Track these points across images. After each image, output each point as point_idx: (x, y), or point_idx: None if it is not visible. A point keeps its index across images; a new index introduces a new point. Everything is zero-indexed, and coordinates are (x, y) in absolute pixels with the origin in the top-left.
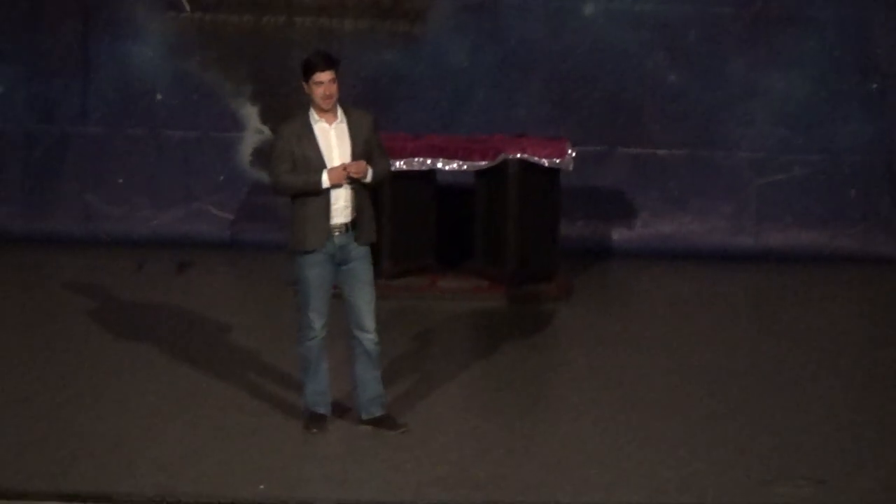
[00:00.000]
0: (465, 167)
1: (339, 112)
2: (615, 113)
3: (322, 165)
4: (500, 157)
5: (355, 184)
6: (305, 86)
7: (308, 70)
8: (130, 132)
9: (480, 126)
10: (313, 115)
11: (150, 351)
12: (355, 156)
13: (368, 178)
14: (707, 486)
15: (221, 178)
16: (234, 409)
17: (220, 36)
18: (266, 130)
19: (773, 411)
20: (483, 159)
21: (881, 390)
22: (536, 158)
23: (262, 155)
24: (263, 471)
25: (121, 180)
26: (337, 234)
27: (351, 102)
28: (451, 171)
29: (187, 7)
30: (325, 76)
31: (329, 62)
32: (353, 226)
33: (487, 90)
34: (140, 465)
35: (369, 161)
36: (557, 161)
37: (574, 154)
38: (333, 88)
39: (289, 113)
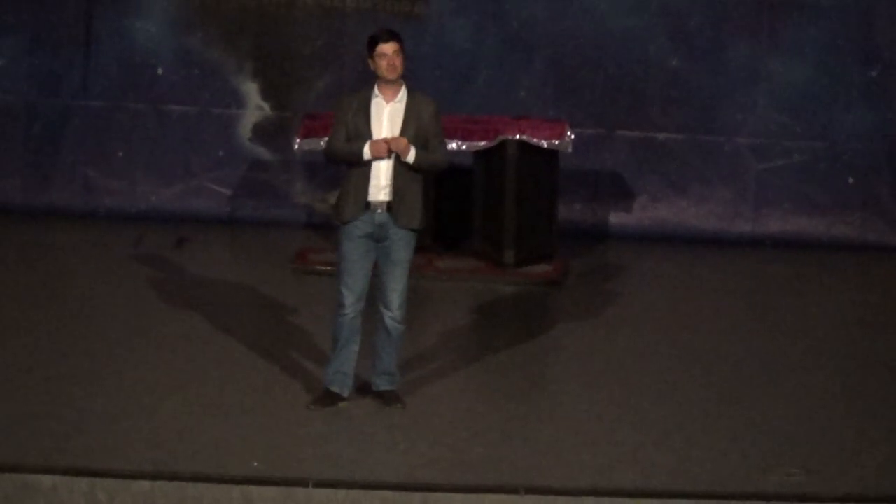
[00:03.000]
0: (463, 147)
1: (403, 92)
2: (616, 96)
3: (369, 138)
4: (499, 138)
5: (399, 163)
6: (371, 62)
7: (372, 44)
8: (131, 107)
9: (482, 107)
10: (375, 91)
11: (147, 327)
12: (403, 135)
13: (410, 158)
14: (700, 473)
15: (221, 153)
16: (230, 387)
17: (223, 12)
18: (267, 107)
19: (768, 399)
20: (482, 140)
21: (877, 379)
22: (535, 140)
23: (263, 131)
24: (258, 449)
25: (121, 154)
26: (379, 211)
27: (355, 82)
28: (450, 151)
29: None
30: (388, 48)
31: (392, 35)
32: (392, 206)
33: (489, 71)
34: (135, 441)
35: (424, 147)
36: (556, 143)
37: (573, 136)
38: (398, 60)
39: (289, 90)
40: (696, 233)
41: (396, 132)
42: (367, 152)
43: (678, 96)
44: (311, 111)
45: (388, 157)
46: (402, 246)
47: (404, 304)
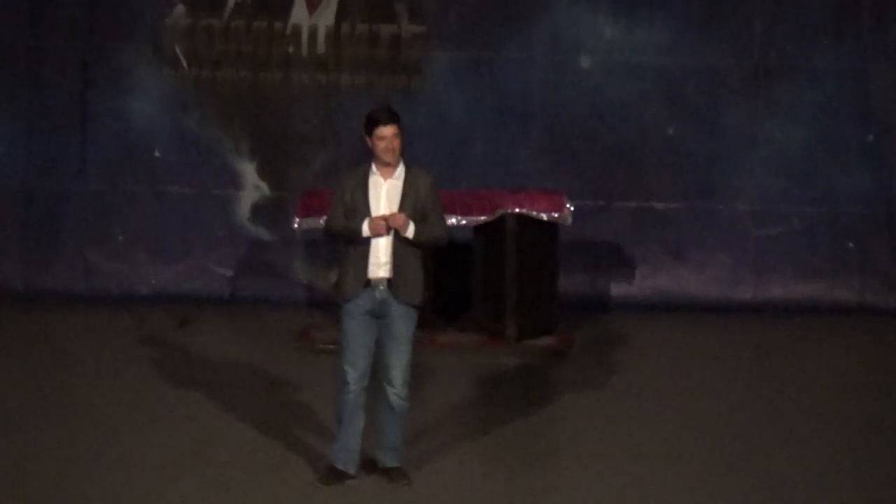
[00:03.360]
0: (463, 222)
1: (400, 169)
2: (614, 165)
3: (367, 215)
4: (498, 213)
5: (398, 239)
6: (368, 140)
7: (371, 124)
8: (129, 189)
9: (479, 179)
10: (373, 168)
11: (152, 408)
12: (401, 212)
13: (409, 234)
14: None
15: (220, 234)
16: (236, 466)
17: (218, 92)
18: (264, 186)
19: (774, 464)
20: (481, 214)
21: (884, 442)
22: (534, 213)
23: (261, 211)
24: None
25: (121, 237)
26: (380, 288)
27: (353, 158)
28: (449, 227)
29: (185, 64)
30: (387, 131)
31: (392, 116)
32: (393, 282)
33: (486, 143)
34: None
35: (423, 221)
36: (556, 215)
37: (572, 208)
38: (396, 143)
39: (287, 168)
40: (697, 300)
41: (395, 209)
42: (365, 229)
43: (676, 163)
44: (309, 189)
45: (387, 233)
46: (403, 322)
47: (407, 380)
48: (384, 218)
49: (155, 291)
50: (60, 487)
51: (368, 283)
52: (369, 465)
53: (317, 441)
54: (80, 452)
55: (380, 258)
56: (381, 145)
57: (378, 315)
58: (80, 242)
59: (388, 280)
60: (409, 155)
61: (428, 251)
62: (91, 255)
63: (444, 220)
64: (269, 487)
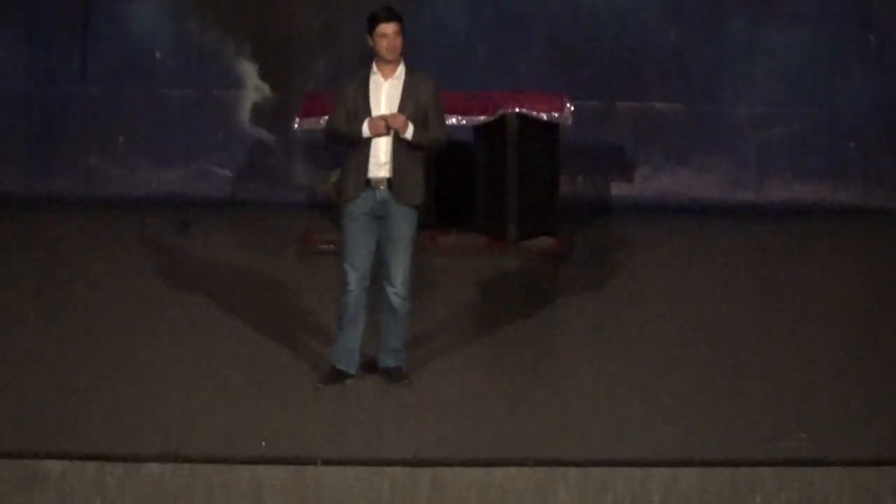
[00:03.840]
0: (463, 122)
1: (401, 70)
2: (615, 70)
3: (368, 115)
4: (498, 112)
5: (398, 140)
6: (370, 39)
7: (372, 22)
8: (130, 93)
9: (480, 85)
10: (373, 69)
11: (151, 311)
12: (401, 112)
13: (409, 135)
14: (708, 442)
15: (222, 136)
16: (237, 369)
17: None
18: (266, 88)
19: (774, 367)
20: (481, 114)
21: (882, 345)
22: (535, 113)
23: (263, 113)
24: (266, 429)
25: (121, 140)
26: (380, 188)
27: (354, 62)
28: (450, 126)
29: None
30: (389, 27)
31: (393, 14)
32: (393, 183)
33: (487, 49)
34: (142, 424)
35: (423, 125)
36: (556, 115)
37: (573, 108)
38: (398, 41)
39: (288, 71)
40: (698, 203)
41: (394, 109)
42: (365, 130)
43: (677, 68)
44: (310, 91)
45: (387, 133)
46: (403, 223)
47: (408, 280)
48: (384, 118)
49: (156, 194)
50: (60, 391)
51: (369, 184)
52: (370, 366)
53: (318, 343)
54: (80, 357)
55: (380, 158)
56: (382, 43)
57: (378, 216)
58: (80, 147)
59: (389, 180)
60: (410, 61)
61: (429, 154)
62: (92, 159)
63: (444, 125)
64: (270, 388)
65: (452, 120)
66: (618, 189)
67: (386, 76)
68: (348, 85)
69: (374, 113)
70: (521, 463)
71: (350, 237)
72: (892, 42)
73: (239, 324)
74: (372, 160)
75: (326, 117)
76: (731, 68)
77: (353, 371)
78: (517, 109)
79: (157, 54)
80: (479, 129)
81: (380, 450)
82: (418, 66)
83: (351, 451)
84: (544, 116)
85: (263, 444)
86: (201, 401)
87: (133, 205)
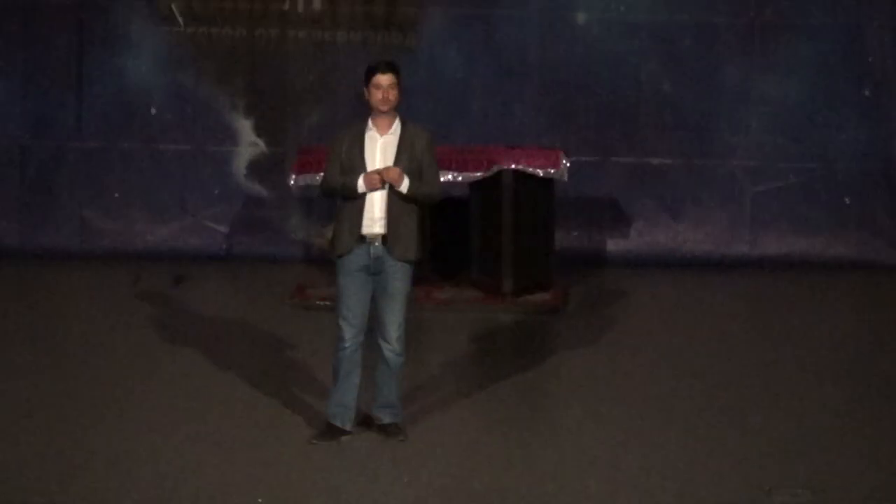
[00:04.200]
0: (459, 178)
1: (396, 124)
2: (610, 122)
3: (363, 171)
4: (494, 168)
5: (393, 194)
6: (366, 91)
7: (369, 73)
8: (126, 146)
9: (476, 136)
10: (369, 124)
11: (147, 365)
12: (396, 167)
13: (404, 189)
14: (705, 495)
15: (217, 191)
16: (232, 423)
17: (214, 49)
18: (261, 143)
19: (771, 419)
20: (477, 170)
21: (878, 397)
22: (531, 169)
23: (258, 167)
24: (262, 484)
25: (117, 195)
26: (375, 244)
27: (348, 115)
28: (446, 183)
29: (181, 21)
30: (384, 79)
31: (389, 66)
32: (387, 238)
33: (482, 100)
34: (139, 479)
35: (419, 178)
36: (552, 171)
37: (568, 164)
38: (392, 93)
39: (283, 125)
40: (693, 256)
41: (390, 164)
42: (360, 185)
43: (672, 120)
44: (305, 146)
45: (382, 188)
46: (398, 278)
47: (403, 336)
48: (379, 171)
49: (151, 248)
50: (54, 443)
51: (363, 239)
52: (366, 421)
53: (313, 398)
54: (74, 409)
55: (374, 214)
56: (376, 94)
57: (373, 271)
58: (75, 200)
59: (383, 236)
60: (405, 112)
61: (424, 208)
62: (87, 212)
63: (438, 177)
64: (264, 444)
65: (449, 175)
66: (613, 243)
67: (382, 132)
68: (342, 138)
69: (369, 168)
70: None
71: (345, 292)
72: (887, 94)
73: (233, 378)
74: (366, 215)
75: (322, 174)
76: (725, 121)
77: (348, 427)
78: (513, 165)
79: (153, 109)
80: (474, 184)
81: None
82: (413, 118)
83: None
84: (540, 172)
85: (259, 500)
86: (195, 456)
87: (127, 258)
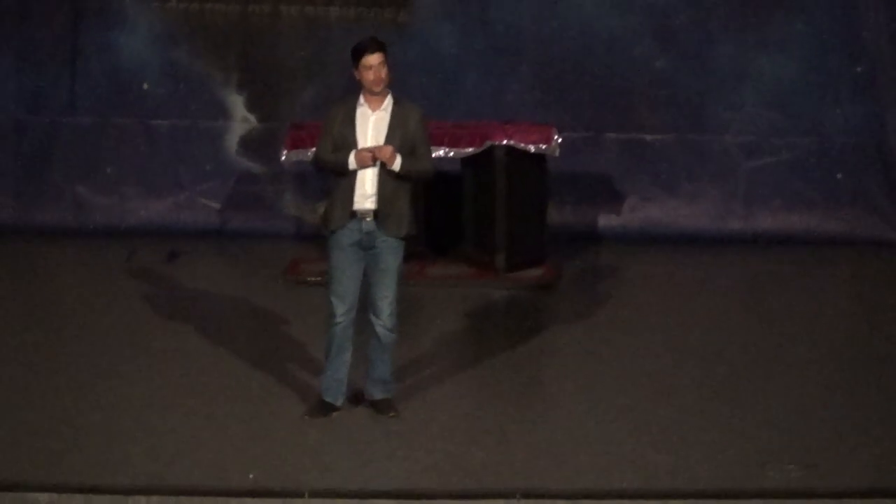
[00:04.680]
0: (451, 154)
1: (388, 101)
2: (603, 98)
3: (354, 147)
4: (487, 144)
5: (385, 171)
6: (356, 71)
7: (357, 54)
8: (119, 122)
9: (470, 113)
10: (360, 100)
11: (141, 341)
12: (388, 144)
13: (396, 167)
14: (699, 471)
15: (210, 167)
16: (225, 399)
17: (207, 25)
18: (253, 119)
19: (765, 395)
20: (469, 146)
21: (873, 373)
22: (523, 145)
23: (251, 143)
24: (255, 460)
25: (109, 170)
26: (366, 220)
27: (341, 91)
28: (438, 158)
29: None
30: (373, 59)
31: (377, 45)
32: (379, 214)
33: (476, 77)
34: (133, 455)
35: (411, 155)
36: (544, 147)
37: (560, 140)
38: (383, 72)
39: (276, 101)
40: (687, 232)
41: (382, 141)
42: (352, 161)
43: (665, 96)
44: (297, 122)
45: (374, 165)
46: (389, 254)
47: (394, 312)
48: (370, 150)
49: (144, 224)
50: (48, 421)
51: (355, 215)
52: (358, 397)
53: (305, 374)
54: (67, 387)
55: (366, 190)
56: (367, 75)
57: (365, 247)
58: (69, 176)
59: (375, 212)
60: (399, 89)
61: (416, 184)
62: (80, 188)
63: (431, 155)
64: (257, 420)
65: (441, 151)
66: (606, 219)
67: (373, 108)
68: (335, 114)
69: (361, 145)
70: (510, 494)
71: (337, 268)
72: (881, 70)
73: (226, 354)
74: (358, 191)
75: (314, 148)
76: (719, 97)
77: (340, 402)
78: (506, 141)
79: (146, 85)
80: (467, 159)
81: (368, 481)
82: (406, 96)
83: (339, 483)
84: (532, 148)
85: (251, 475)
86: (189, 432)
87: (121, 234)
